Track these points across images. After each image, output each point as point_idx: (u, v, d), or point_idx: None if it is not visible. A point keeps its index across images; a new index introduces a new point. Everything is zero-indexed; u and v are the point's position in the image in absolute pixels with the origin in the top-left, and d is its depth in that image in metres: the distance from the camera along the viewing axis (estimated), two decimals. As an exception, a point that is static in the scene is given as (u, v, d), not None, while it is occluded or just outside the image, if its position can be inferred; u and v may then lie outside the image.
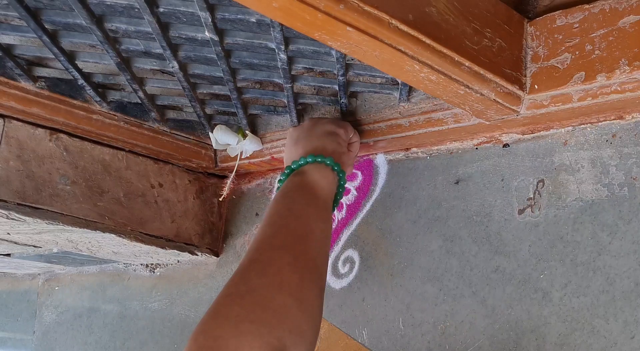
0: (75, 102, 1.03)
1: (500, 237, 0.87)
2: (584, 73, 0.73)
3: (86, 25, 0.81)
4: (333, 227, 1.08)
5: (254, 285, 0.65)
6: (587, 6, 0.75)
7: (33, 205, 1.03)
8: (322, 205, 0.81)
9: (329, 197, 0.84)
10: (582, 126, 0.82)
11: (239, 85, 0.96)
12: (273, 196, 0.86)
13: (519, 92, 0.77)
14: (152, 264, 1.44)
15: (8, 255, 1.57)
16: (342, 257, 1.06)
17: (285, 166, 0.89)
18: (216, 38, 0.82)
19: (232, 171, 1.16)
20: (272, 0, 0.58)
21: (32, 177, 1.03)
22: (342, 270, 1.05)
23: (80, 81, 0.97)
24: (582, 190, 0.80)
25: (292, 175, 0.84)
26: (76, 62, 0.93)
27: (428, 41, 0.67)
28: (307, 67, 0.89)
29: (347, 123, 0.94)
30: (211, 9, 0.77)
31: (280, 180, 0.86)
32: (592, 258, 0.77)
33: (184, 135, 1.15)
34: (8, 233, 1.21)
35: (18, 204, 1.01)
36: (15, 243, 1.31)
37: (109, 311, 1.53)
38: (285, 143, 0.94)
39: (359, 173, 1.06)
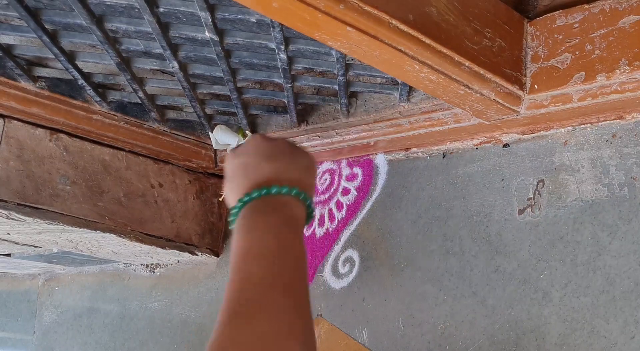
0: (75, 102, 1.03)
1: (500, 237, 0.87)
2: (584, 73, 0.73)
3: (86, 25, 0.81)
4: (333, 227, 1.08)
5: (264, 332, 0.64)
6: (587, 6, 0.75)
7: (33, 205, 1.02)
8: (303, 240, 0.78)
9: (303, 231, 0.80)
10: (582, 126, 0.82)
11: (239, 85, 0.96)
12: (243, 215, 0.77)
13: (519, 92, 0.77)
14: (152, 264, 1.44)
15: (8, 255, 1.57)
16: (342, 257, 1.06)
17: (257, 179, 0.78)
18: (216, 38, 0.82)
19: (232, 171, 1.15)
20: (272, 0, 0.58)
21: (32, 177, 1.03)
22: (342, 270, 1.05)
23: (80, 81, 0.97)
24: (582, 190, 0.80)
25: (269, 200, 0.76)
26: (76, 62, 0.93)
27: (428, 41, 0.67)
28: (307, 67, 0.89)
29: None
30: (211, 9, 0.77)
31: (251, 198, 0.76)
32: (592, 258, 0.77)
33: (184, 135, 1.15)
34: (8, 233, 1.21)
35: (18, 204, 1.01)
36: (15, 243, 1.31)
37: (109, 311, 1.53)
38: (246, 148, 0.83)
39: (359, 173, 1.06)
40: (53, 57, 0.90)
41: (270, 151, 0.82)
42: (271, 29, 0.79)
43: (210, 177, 1.26)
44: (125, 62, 0.91)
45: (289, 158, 0.81)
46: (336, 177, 1.10)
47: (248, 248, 0.71)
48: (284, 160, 0.81)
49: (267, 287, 0.68)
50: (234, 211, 0.75)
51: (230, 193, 0.78)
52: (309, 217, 0.79)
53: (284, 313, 0.66)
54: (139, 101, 1.03)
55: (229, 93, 0.98)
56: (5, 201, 1.00)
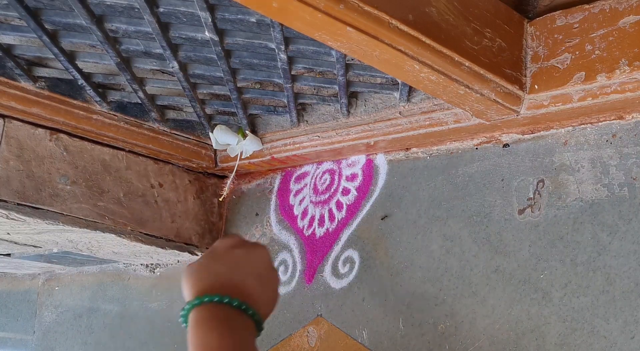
0: (75, 102, 1.03)
1: (500, 237, 0.87)
2: (584, 73, 0.73)
3: (86, 25, 0.81)
4: (333, 227, 1.08)
5: None
6: (587, 6, 0.75)
7: (33, 205, 1.03)
8: None
9: None
10: (582, 126, 0.82)
11: (239, 85, 0.96)
12: (190, 322, 0.64)
13: (519, 92, 0.77)
14: (152, 264, 1.44)
15: (8, 255, 1.57)
16: (342, 257, 1.06)
17: (201, 285, 0.68)
18: (216, 38, 0.82)
19: (232, 171, 1.16)
20: (272, 0, 0.58)
21: (32, 177, 1.03)
22: (342, 270, 1.05)
23: (80, 81, 0.97)
24: (582, 190, 0.80)
25: (212, 310, 0.66)
26: (76, 62, 0.93)
27: (428, 41, 0.67)
28: (307, 67, 0.89)
29: None
30: (211, 9, 0.77)
31: (193, 305, 0.66)
32: (592, 258, 0.77)
33: (184, 135, 1.15)
34: (8, 233, 1.21)
35: (18, 204, 1.01)
36: (15, 243, 1.31)
37: (109, 311, 1.53)
38: (209, 250, 0.73)
39: (359, 173, 1.06)
40: (53, 57, 0.90)
41: (222, 254, 0.72)
42: (271, 29, 0.79)
43: (210, 177, 1.26)
44: (125, 62, 0.91)
45: (240, 265, 0.71)
46: (336, 177, 1.10)
47: None
48: (231, 265, 0.71)
49: None
50: (182, 313, 0.67)
51: (185, 291, 0.69)
52: (258, 328, 0.69)
53: None
54: (139, 101, 1.03)
55: (229, 93, 0.98)
56: (5, 201, 1.00)
